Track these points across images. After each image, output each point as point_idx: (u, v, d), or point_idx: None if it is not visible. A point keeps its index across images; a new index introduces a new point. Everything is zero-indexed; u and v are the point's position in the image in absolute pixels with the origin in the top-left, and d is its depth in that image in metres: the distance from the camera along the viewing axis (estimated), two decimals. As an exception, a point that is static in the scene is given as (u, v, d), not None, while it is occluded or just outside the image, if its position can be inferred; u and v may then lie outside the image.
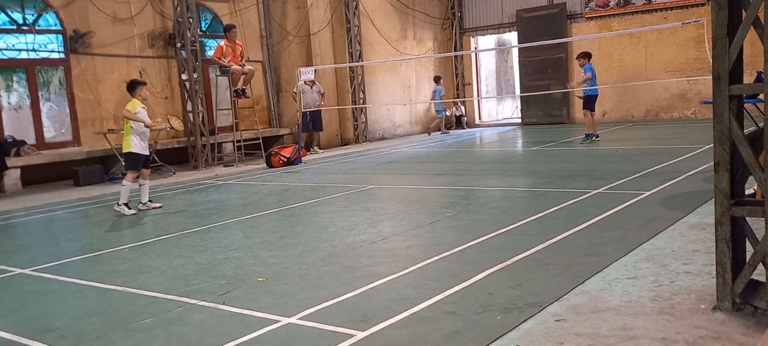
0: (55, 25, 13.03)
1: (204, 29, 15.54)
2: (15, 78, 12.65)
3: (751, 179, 3.54)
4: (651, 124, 16.36)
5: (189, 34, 13.43)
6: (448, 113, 19.74)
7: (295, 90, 14.99)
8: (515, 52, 21.34)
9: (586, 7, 18.30)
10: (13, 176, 11.60)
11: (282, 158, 12.96)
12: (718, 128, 3.32)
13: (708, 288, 3.77)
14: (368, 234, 6.06)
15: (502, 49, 22.28)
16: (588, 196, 7.15)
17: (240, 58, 13.60)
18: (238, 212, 7.96)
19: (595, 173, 8.96)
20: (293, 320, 3.84)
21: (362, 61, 17.08)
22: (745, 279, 3.38)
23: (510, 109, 23.06)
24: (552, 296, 3.90)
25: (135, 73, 13.55)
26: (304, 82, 14.79)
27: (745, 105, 4.64)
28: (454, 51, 20.58)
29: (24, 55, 12.69)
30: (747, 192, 4.49)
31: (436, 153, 13.90)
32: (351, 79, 17.30)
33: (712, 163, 3.40)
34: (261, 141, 14.43)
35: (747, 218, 3.48)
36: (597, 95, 13.60)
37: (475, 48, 20.98)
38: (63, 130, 13.24)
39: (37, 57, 12.84)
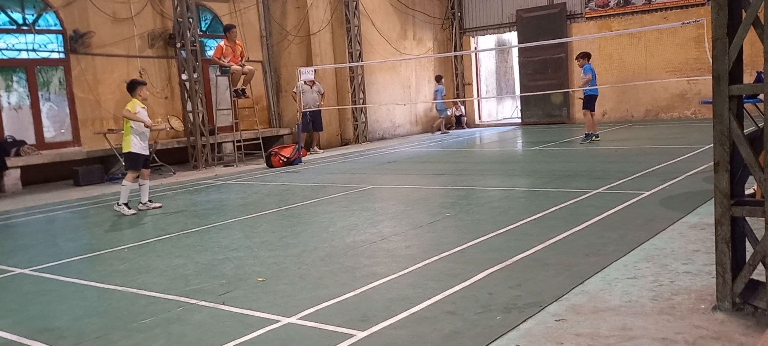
0: (55, 25, 13.04)
1: (204, 29, 15.54)
2: (15, 78, 12.65)
3: (750, 178, 3.55)
4: (651, 124, 16.36)
5: (189, 34, 13.43)
6: (449, 113, 19.75)
7: (295, 90, 14.99)
8: (515, 52, 21.34)
9: (586, 7, 18.30)
10: (13, 176, 11.60)
11: (282, 158, 12.96)
12: (717, 128, 3.32)
13: (708, 288, 3.77)
14: (368, 234, 6.06)
15: (502, 49, 22.28)
16: (588, 196, 7.15)
17: (240, 58, 13.60)
18: (238, 212, 7.96)
19: (595, 172, 8.96)
20: (293, 320, 3.84)
21: (362, 61, 17.08)
22: (744, 279, 3.38)
23: (510, 109, 23.06)
24: (552, 296, 3.90)
25: (135, 73, 13.55)
26: (304, 82, 14.80)
27: (745, 105, 4.64)
28: (454, 51, 20.59)
29: (24, 55, 12.69)
30: (747, 192, 4.50)
31: (436, 153, 13.90)
32: (351, 79, 17.30)
33: (712, 163, 3.40)
34: (261, 141, 14.43)
35: (747, 218, 3.48)
36: (597, 95, 13.60)
37: (475, 48, 20.98)
38: (63, 130, 13.24)
39: (37, 57, 12.84)
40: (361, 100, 17.44)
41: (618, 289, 3.96)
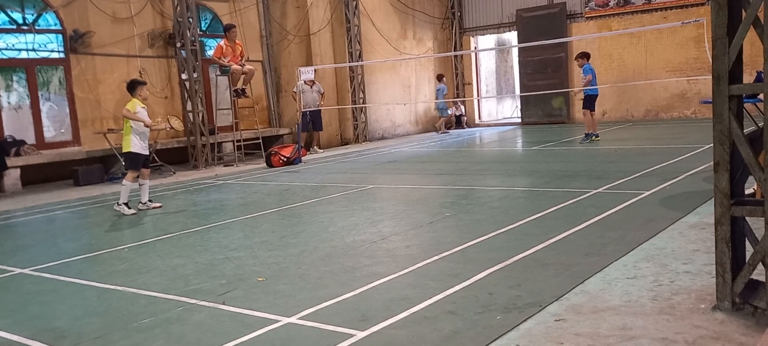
0: (55, 24, 13.04)
1: (204, 29, 15.54)
2: (15, 78, 12.65)
3: (750, 178, 3.55)
4: (651, 124, 16.36)
5: (189, 34, 13.43)
6: (450, 113, 19.75)
7: (294, 90, 15.00)
8: (515, 52, 21.34)
9: (586, 7, 18.30)
10: (13, 176, 11.60)
11: (282, 158, 12.96)
12: (717, 128, 3.32)
13: (708, 288, 3.77)
14: (368, 234, 6.06)
15: (502, 49, 22.28)
16: (588, 196, 7.15)
17: (240, 58, 13.60)
18: (238, 211, 7.96)
19: (595, 172, 8.96)
20: (293, 320, 3.84)
21: (362, 60, 17.08)
22: (744, 279, 3.38)
23: (510, 109, 23.07)
24: (552, 295, 3.90)
25: (135, 73, 13.55)
26: (304, 81, 14.80)
27: (745, 105, 4.64)
28: (454, 51, 20.59)
29: (24, 54, 12.70)
30: (747, 192, 4.50)
31: (436, 153, 13.90)
32: (351, 79, 17.30)
33: (712, 162, 3.40)
34: (261, 141, 14.43)
35: (747, 218, 3.48)
36: (597, 95, 13.60)
37: (475, 48, 20.98)
38: (63, 130, 13.24)
39: (37, 57, 12.85)
40: (361, 100, 17.44)
41: (618, 289, 3.96)
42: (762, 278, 3.39)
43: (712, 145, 3.39)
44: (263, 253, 5.62)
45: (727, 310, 3.41)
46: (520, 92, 19.88)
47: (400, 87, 19.26)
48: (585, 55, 13.41)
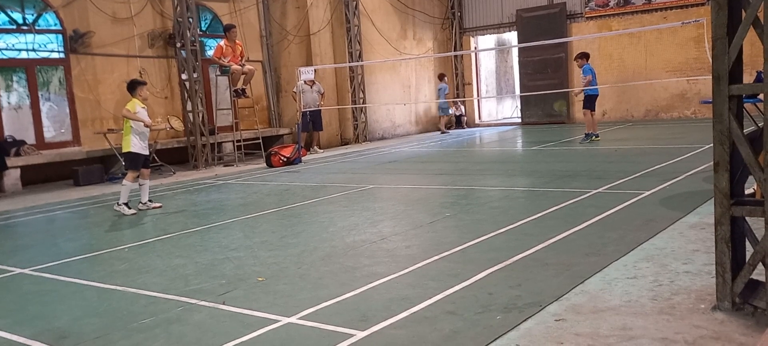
0: (55, 24, 13.04)
1: (204, 29, 15.54)
2: (15, 78, 12.65)
3: (750, 178, 3.55)
4: (651, 124, 16.36)
5: (189, 34, 13.43)
6: (451, 112, 19.76)
7: (295, 90, 15.00)
8: (515, 52, 21.35)
9: (586, 7, 18.30)
10: (13, 176, 11.60)
11: (282, 158, 12.96)
12: (717, 128, 3.32)
13: (708, 288, 3.77)
14: (368, 234, 6.06)
15: (502, 49, 22.29)
16: (588, 196, 7.15)
17: (240, 58, 13.60)
18: (238, 211, 7.97)
19: (594, 172, 8.96)
20: (293, 320, 3.84)
21: (362, 60, 17.08)
22: (744, 279, 3.39)
23: (510, 109, 23.07)
24: (552, 295, 3.90)
25: (135, 73, 13.55)
26: (304, 81, 14.80)
27: (745, 105, 4.64)
28: (454, 51, 20.59)
29: (24, 55, 12.69)
30: (746, 192, 4.50)
31: (436, 153, 13.90)
32: (351, 79, 17.31)
33: (712, 163, 3.40)
34: (261, 141, 14.43)
35: (746, 218, 3.48)
36: (597, 95, 13.60)
37: (475, 48, 20.98)
38: (63, 130, 13.24)
39: (37, 57, 12.85)
40: (361, 100, 17.44)
41: (618, 289, 3.96)
42: (762, 278, 3.39)
43: (712, 145, 3.39)
44: (263, 253, 5.62)
45: (727, 310, 3.41)
46: (520, 92, 19.88)
47: (400, 87, 19.26)
48: (584, 56, 13.41)
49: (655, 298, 3.74)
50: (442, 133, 18.85)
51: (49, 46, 13.01)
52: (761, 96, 4.60)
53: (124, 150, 8.52)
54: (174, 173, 12.73)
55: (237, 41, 13.72)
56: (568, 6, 18.53)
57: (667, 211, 6.06)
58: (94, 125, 13.31)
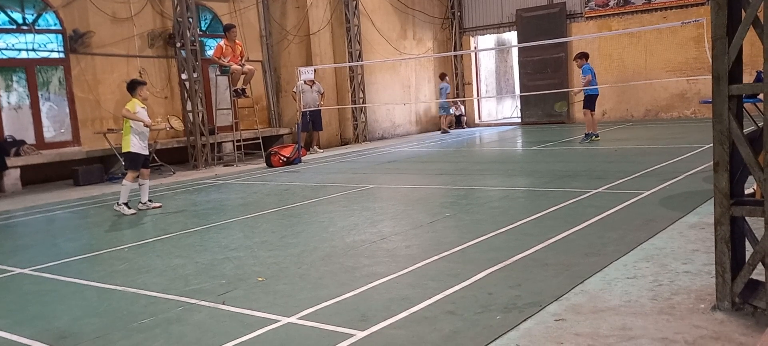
0: (55, 24, 13.04)
1: (204, 29, 15.54)
2: (15, 78, 12.65)
3: (750, 178, 3.55)
4: (651, 124, 16.36)
5: (189, 34, 13.43)
6: (453, 112, 19.75)
7: (294, 90, 15.00)
8: (515, 52, 21.35)
9: (586, 7, 18.31)
10: (12, 176, 11.60)
11: (282, 158, 12.96)
12: (717, 128, 3.32)
13: (707, 288, 3.77)
14: (368, 234, 6.06)
15: (501, 49, 22.29)
16: (587, 196, 7.15)
17: (240, 58, 13.60)
18: (238, 211, 7.97)
19: (594, 172, 8.96)
20: (293, 319, 3.84)
21: (362, 60, 17.08)
22: (744, 279, 3.39)
23: (510, 109, 23.07)
24: (551, 295, 3.90)
25: (135, 73, 13.55)
26: (304, 81, 14.80)
27: (745, 105, 4.64)
28: (454, 51, 20.59)
29: (24, 54, 12.70)
30: (746, 192, 4.50)
31: (436, 153, 13.91)
32: (351, 79, 17.31)
33: (712, 162, 3.40)
34: (261, 141, 14.43)
35: (746, 218, 3.48)
36: (597, 95, 13.60)
37: (475, 48, 20.98)
38: (63, 130, 13.24)
39: (37, 57, 12.85)
40: (361, 100, 17.44)
41: (618, 289, 3.96)
42: (762, 278, 3.39)
43: (711, 145, 3.39)
44: (263, 253, 5.62)
45: (726, 310, 3.41)
46: (520, 92, 19.88)
47: (400, 87, 19.26)
48: (584, 56, 13.41)
49: (654, 298, 3.74)
50: (443, 133, 18.86)
51: (49, 46, 13.01)
52: (761, 96, 4.60)
53: (124, 150, 8.52)
54: (174, 173, 12.73)
55: (237, 41, 13.72)
56: (568, 6, 18.53)
57: (666, 211, 6.06)
58: (93, 125, 13.31)
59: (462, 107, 20.75)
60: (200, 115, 13.63)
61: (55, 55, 13.08)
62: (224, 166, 13.77)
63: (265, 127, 16.45)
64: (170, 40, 14.19)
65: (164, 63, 14.64)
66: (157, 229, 7.25)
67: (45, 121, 12.98)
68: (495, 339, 3.33)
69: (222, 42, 13.48)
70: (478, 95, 21.41)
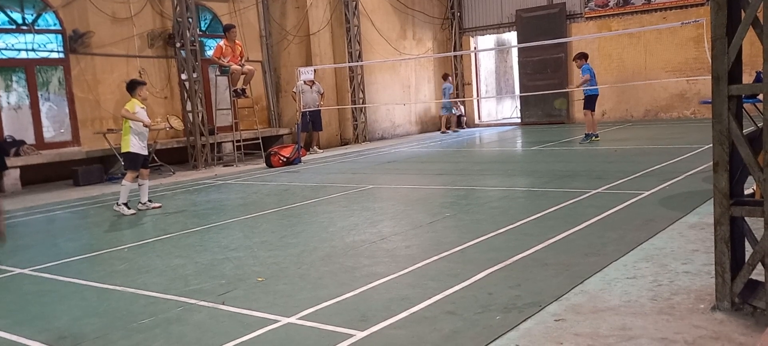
0: (55, 24, 13.04)
1: (203, 29, 15.54)
2: (14, 78, 12.65)
3: (750, 178, 3.55)
4: (650, 124, 16.36)
5: (188, 34, 13.43)
6: (454, 112, 19.76)
7: (294, 90, 15.00)
8: (515, 52, 21.35)
9: (586, 7, 18.31)
10: (12, 176, 11.60)
11: (281, 158, 12.96)
12: (717, 128, 3.32)
13: (707, 288, 3.78)
14: (368, 234, 6.06)
15: (501, 49, 22.29)
16: (587, 196, 7.15)
17: (239, 58, 13.60)
18: (238, 211, 7.97)
19: (594, 172, 8.96)
20: (293, 320, 3.84)
21: (362, 61, 17.08)
22: (744, 279, 3.39)
23: (509, 109, 23.07)
24: (551, 295, 3.90)
25: (134, 73, 13.55)
26: (304, 82, 14.80)
27: (745, 105, 4.64)
28: (454, 51, 20.59)
29: (23, 54, 12.70)
30: (746, 192, 4.50)
31: (436, 153, 13.91)
32: (350, 79, 17.31)
33: (712, 163, 3.40)
34: (260, 141, 14.44)
35: (746, 218, 3.48)
36: (597, 95, 13.60)
37: (475, 48, 20.99)
38: (62, 130, 13.24)
39: (37, 57, 12.85)
40: (361, 100, 17.44)
41: (617, 289, 3.96)
42: (761, 278, 3.40)
43: (711, 145, 3.39)
44: (263, 253, 5.62)
45: (726, 310, 3.41)
46: (520, 92, 19.89)
47: (400, 87, 19.27)
48: (583, 56, 13.42)
49: (654, 298, 3.75)
50: (443, 133, 18.86)
51: (49, 46, 13.01)
52: (761, 96, 4.60)
53: (124, 150, 8.52)
54: (173, 173, 12.73)
55: (237, 41, 13.72)
56: (567, 6, 18.53)
57: (666, 211, 6.06)
58: (93, 125, 13.30)
59: (462, 107, 20.75)
60: (200, 115, 13.63)
61: (54, 55, 13.08)
62: (224, 166, 13.77)
63: (264, 127, 16.45)
64: (170, 40, 14.19)
65: (164, 63, 14.64)
66: (156, 229, 7.25)
67: (45, 122, 12.98)
68: (495, 339, 3.33)
69: (222, 42, 13.49)
70: (477, 96, 21.41)
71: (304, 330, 3.67)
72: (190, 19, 13.49)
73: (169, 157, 13.80)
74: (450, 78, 19.73)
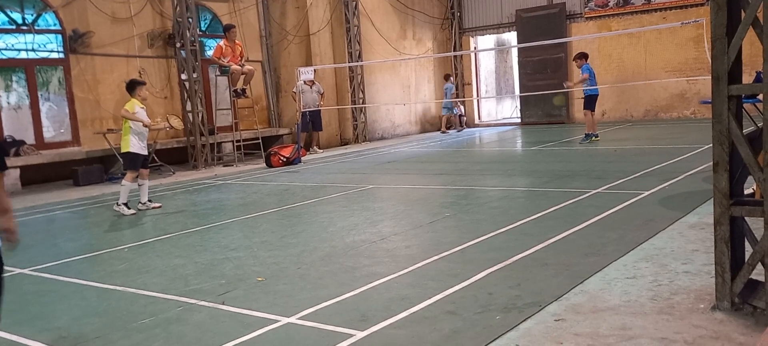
0: (55, 24, 13.03)
1: (203, 29, 15.54)
2: (14, 78, 12.65)
3: (750, 178, 3.55)
4: (650, 124, 16.36)
5: (188, 34, 13.43)
6: (456, 112, 19.75)
7: (294, 90, 15.00)
8: (515, 52, 21.35)
9: (586, 7, 18.31)
10: (12, 176, 11.59)
11: (281, 158, 12.96)
12: (717, 128, 3.33)
13: (707, 288, 3.78)
14: (368, 234, 6.06)
15: (501, 49, 22.29)
16: (587, 196, 7.15)
17: (239, 58, 13.60)
18: (238, 211, 7.97)
19: (594, 172, 8.97)
20: (293, 320, 3.84)
21: (362, 61, 17.08)
22: (743, 279, 3.39)
23: (509, 109, 23.07)
24: (551, 295, 3.90)
25: (134, 73, 13.55)
26: (304, 82, 14.80)
27: (744, 105, 4.64)
28: (454, 51, 20.59)
29: (23, 55, 12.69)
30: (746, 192, 4.50)
31: (436, 153, 13.91)
32: (350, 79, 17.31)
33: (712, 163, 3.40)
34: (260, 141, 14.44)
35: (746, 218, 3.49)
36: (597, 95, 13.60)
37: (475, 48, 20.98)
38: (62, 130, 13.24)
39: (37, 57, 12.84)
40: (361, 100, 17.44)
41: (617, 289, 3.96)
42: (761, 278, 3.40)
43: (711, 145, 3.39)
44: (263, 253, 5.62)
45: (726, 310, 3.41)
46: (520, 92, 19.88)
47: (400, 87, 19.27)
48: (583, 56, 13.42)
49: (654, 298, 3.75)
50: (443, 133, 18.86)
51: (49, 46, 13.01)
52: (760, 96, 4.60)
53: (123, 150, 8.52)
54: (173, 173, 12.73)
55: (236, 41, 13.72)
56: (567, 6, 18.53)
57: (666, 211, 6.06)
58: (93, 125, 13.30)
59: (462, 108, 20.76)
60: (200, 115, 13.63)
61: (54, 55, 13.08)
62: (224, 166, 13.77)
63: (264, 127, 16.45)
64: (170, 41, 14.19)
65: (164, 63, 14.64)
66: (156, 229, 7.25)
67: (45, 122, 12.97)
68: (495, 339, 3.33)
69: (222, 42, 13.49)
70: (477, 96, 21.41)
71: (304, 330, 3.67)
72: (190, 19, 13.49)
73: (169, 157, 13.80)
74: (452, 78, 19.72)
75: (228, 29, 13.63)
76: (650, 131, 14.50)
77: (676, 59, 17.06)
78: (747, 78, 6.82)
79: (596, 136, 13.25)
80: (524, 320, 3.54)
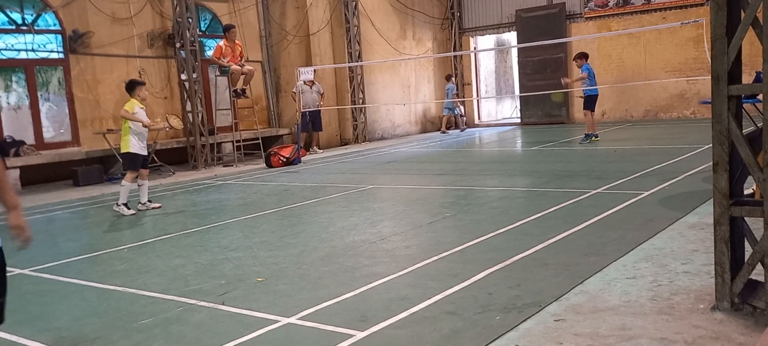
0: (54, 25, 13.03)
1: (203, 29, 15.54)
2: (14, 78, 12.65)
3: (749, 178, 3.55)
4: (650, 124, 16.37)
5: (188, 34, 13.43)
6: (456, 112, 19.76)
7: (294, 90, 15.00)
8: (514, 53, 21.35)
9: (585, 7, 18.31)
10: (12, 176, 11.58)
11: (281, 158, 12.96)
12: (716, 128, 3.33)
13: (707, 288, 3.78)
14: (368, 234, 6.06)
15: (501, 49, 22.29)
16: (587, 196, 7.15)
17: (239, 58, 13.60)
18: (238, 212, 7.97)
19: (594, 172, 8.97)
20: (292, 320, 3.84)
21: (361, 61, 17.08)
22: (743, 279, 3.39)
23: (509, 109, 23.08)
24: (551, 295, 3.90)
25: (134, 73, 13.55)
26: (304, 82, 14.80)
27: (744, 105, 4.64)
28: (454, 51, 20.59)
29: (23, 55, 12.69)
30: (746, 192, 4.50)
31: (436, 153, 13.91)
32: (350, 79, 17.31)
33: (711, 163, 3.40)
34: (260, 141, 14.44)
35: (746, 218, 3.49)
36: (597, 95, 13.60)
37: (475, 48, 20.99)
38: (62, 131, 13.24)
39: (36, 57, 12.84)
40: (361, 100, 17.44)
41: (617, 289, 3.96)
42: (761, 278, 3.40)
43: (711, 145, 3.39)
44: (263, 253, 5.62)
45: (726, 310, 3.41)
46: (520, 93, 19.89)
47: (400, 87, 19.27)
48: (583, 56, 13.42)
49: (654, 298, 3.75)
50: (443, 133, 18.86)
51: (49, 47, 13.01)
52: (760, 96, 4.60)
53: (123, 150, 8.52)
54: (173, 174, 12.73)
55: (236, 41, 13.72)
56: (567, 6, 18.53)
57: (666, 211, 6.06)
58: (93, 125, 13.30)
59: (462, 108, 20.75)
60: (200, 115, 13.63)
61: (54, 55, 13.08)
62: (224, 166, 13.77)
63: (264, 127, 16.45)
64: (170, 41, 14.19)
65: (164, 63, 14.64)
66: (156, 229, 7.25)
67: (44, 122, 12.97)
68: (495, 339, 3.33)
69: (221, 42, 13.49)
70: (477, 96, 21.41)
71: (304, 330, 3.67)
72: (190, 20, 13.49)
73: (169, 157, 13.79)
74: (453, 79, 19.72)
75: (228, 29, 13.63)
76: (650, 131, 14.50)
77: (675, 59, 17.07)
78: (747, 78, 6.84)
79: (596, 137, 13.25)
80: (524, 321, 3.54)
